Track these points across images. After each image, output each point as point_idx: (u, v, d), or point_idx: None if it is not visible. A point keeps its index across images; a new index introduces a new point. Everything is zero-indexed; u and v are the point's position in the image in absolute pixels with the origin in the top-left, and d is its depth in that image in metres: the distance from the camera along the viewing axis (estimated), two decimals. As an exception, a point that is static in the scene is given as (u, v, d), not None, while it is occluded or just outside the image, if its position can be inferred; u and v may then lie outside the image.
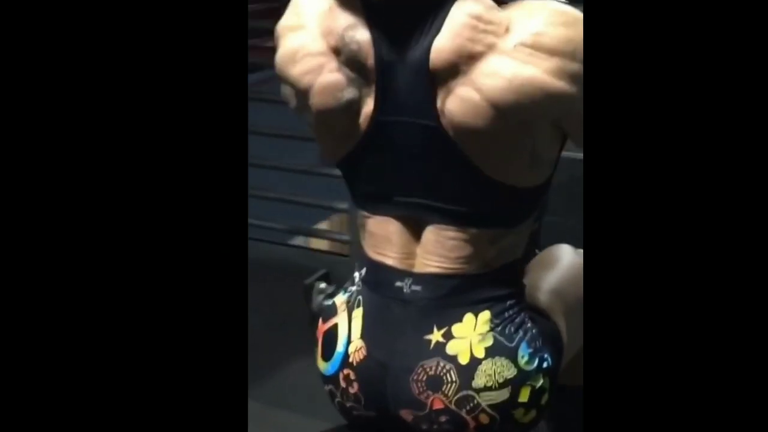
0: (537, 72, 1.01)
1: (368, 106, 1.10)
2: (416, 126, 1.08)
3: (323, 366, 1.23)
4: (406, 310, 1.15)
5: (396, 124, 1.09)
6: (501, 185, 1.09)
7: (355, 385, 1.18)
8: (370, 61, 1.08)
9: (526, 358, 1.13)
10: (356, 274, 1.23)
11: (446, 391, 1.12)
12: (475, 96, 1.03)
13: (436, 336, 1.13)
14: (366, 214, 1.19)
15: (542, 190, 1.15)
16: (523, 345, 1.14)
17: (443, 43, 1.03)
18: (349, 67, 1.09)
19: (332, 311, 1.24)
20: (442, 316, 1.13)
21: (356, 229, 1.26)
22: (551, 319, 1.24)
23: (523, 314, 1.16)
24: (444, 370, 1.12)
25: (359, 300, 1.20)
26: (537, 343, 1.16)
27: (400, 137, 1.10)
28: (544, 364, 1.16)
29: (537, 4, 1.04)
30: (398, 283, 1.15)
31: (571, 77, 1.01)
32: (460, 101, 1.04)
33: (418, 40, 1.05)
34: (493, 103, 1.02)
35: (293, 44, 1.13)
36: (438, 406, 1.12)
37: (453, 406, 1.12)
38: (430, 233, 1.14)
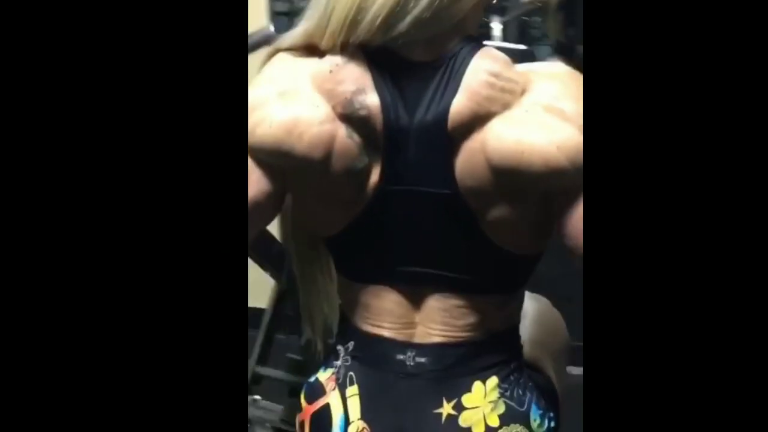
0: (543, 141, 0.97)
1: (374, 175, 1.02)
2: (429, 196, 1.02)
3: None
4: (412, 384, 1.08)
5: (405, 194, 1.02)
6: (508, 254, 1.05)
7: None
8: (379, 127, 1.00)
9: (538, 421, 1.11)
10: (339, 348, 1.15)
11: None
12: (479, 156, 0.99)
13: (446, 409, 1.08)
14: (360, 285, 1.11)
15: (542, 254, 1.12)
16: (534, 407, 1.11)
17: (463, 104, 0.98)
18: (359, 133, 1.00)
19: (318, 391, 1.15)
20: (451, 387, 1.08)
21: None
22: (543, 372, 1.22)
23: (525, 374, 1.14)
24: None
25: (351, 376, 1.12)
26: (542, 402, 1.14)
27: (409, 207, 1.03)
28: (552, 424, 1.14)
29: (557, 66, 1.02)
30: (399, 356, 1.09)
31: (573, 152, 0.96)
32: (466, 159, 0.99)
33: (433, 101, 0.99)
34: (491, 163, 0.99)
35: (287, 115, 1.01)
36: None
37: None
38: (435, 301, 1.08)
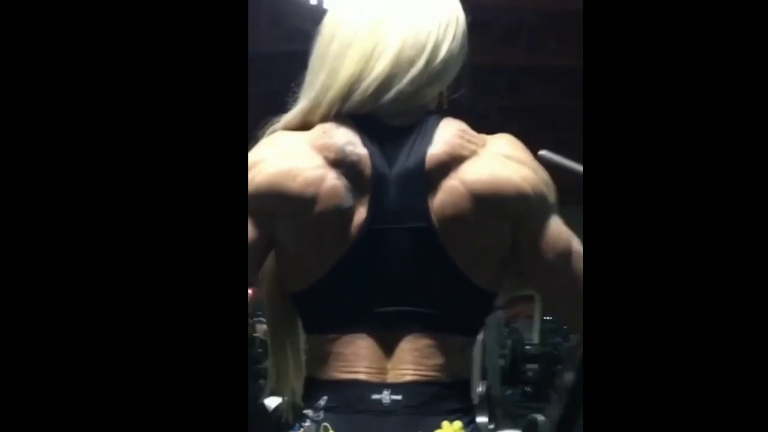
0: (511, 173, 1.15)
1: (359, 216, 1.14)
2: (406, 230, 1.14)
3: None
4: (388, 420, 1.14)
5: (386, 232, 1.14)
6: (476, 288, 1.16)
7: None
8: (367, 172, 1.14)
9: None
10: (308, 411, 1.18)
11: None
12: (459, 187, 1.13)
13: None
14: (333, 336, 1.17)
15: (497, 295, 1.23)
16: None
17: (438, 149, 1.14)
18: (347, 177, 1.13)
19: None
20: (423, 424, 1.15)
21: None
22: None
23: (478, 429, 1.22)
24: None
25: (325, 426, 1.16)
26: None
27: (389, 244, 1.14)
28: None
29: (500, 135, 1.21)
30: (375, 396, 1.15)
31: (534, 183, 1.15)
32: (445, 194, 1.13)
33: (411, 151, 1.15)
34: (472, 192, 1.13)
35: (284, 165, 1.15)
36: None
37: None
38: (407, 343, 1.16)
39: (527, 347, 5.77)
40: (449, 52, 1.20)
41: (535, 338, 8.43)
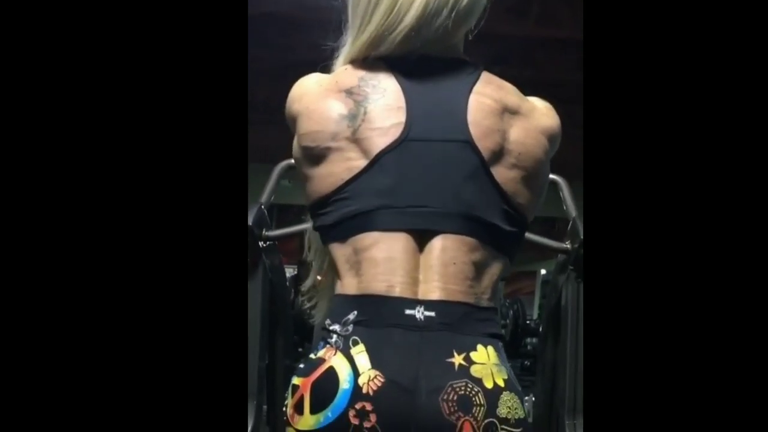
0: (555, 123, 1.31)
1: (388, 134, 1.19)
2: (447, 142, 1.18)
3: (312, 421, 1.15)
4: (423, 336, 1.13)
5: (424, 142, 1.18)
6: (510, 204, 1.20)
7: (372, 417, 1.12)
8: (397, 94, 1.20)
9: (527, 407, 1.21)
10: (335, 327, 1.18)
11: (476, 414, 1.11)
12: (534, 131, 1.26)
13: (458, 359, 1.13)
14: (372, 236, 1.18)
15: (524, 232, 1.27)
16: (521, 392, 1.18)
17: (487, 91, 1.25)
18: (364, 106, 1.20)
19: (316, 363, 1.18)
20: (458, 342, 1.14)
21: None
22: None
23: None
24: (473, 392, 1.12)
25: (354, 339, 1.15)
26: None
27: (426, 155, 1.18)
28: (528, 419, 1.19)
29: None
30: (409, 311, 1.14)
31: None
32: (524, 132, 1.23)
33: (450, 87, 1.23)
34: (547, 137, 1.26)
35: (298, 91, 1.27)
36: (468, 430, 1.11)
37: None
38: (439, 251, 1.17)
39: (528, 321, 5.74)
40: None
41: (535, 314, 8.43)
